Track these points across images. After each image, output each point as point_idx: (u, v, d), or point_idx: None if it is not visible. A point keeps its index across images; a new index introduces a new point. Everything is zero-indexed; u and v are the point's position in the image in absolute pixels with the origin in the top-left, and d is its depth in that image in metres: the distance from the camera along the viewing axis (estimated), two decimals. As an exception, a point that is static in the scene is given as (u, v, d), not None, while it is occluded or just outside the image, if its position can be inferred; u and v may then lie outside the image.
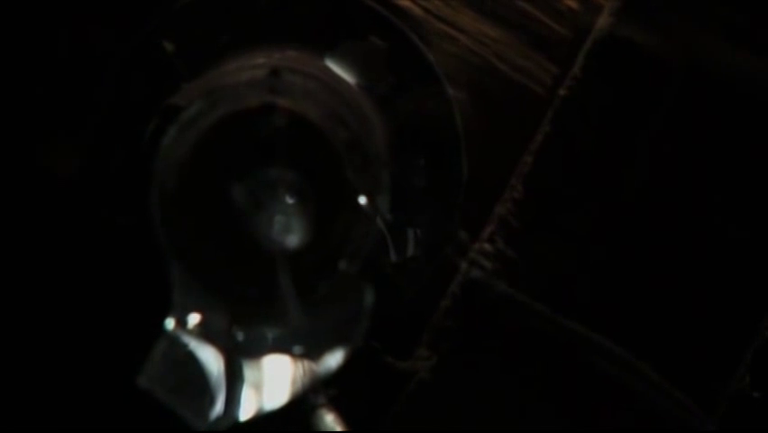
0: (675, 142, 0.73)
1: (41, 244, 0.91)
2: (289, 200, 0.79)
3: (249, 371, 0.82)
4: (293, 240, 0.78)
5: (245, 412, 0.80)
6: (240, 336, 0.82)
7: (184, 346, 0.81)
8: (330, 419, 0.86)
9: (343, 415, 0.86)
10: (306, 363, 0.81)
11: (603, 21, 0.75)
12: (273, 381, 0.82)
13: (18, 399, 0.93)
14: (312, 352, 0.81)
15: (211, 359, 0.82)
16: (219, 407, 0.80)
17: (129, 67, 0.87)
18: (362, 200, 0.79)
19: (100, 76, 0.87)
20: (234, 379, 0.81)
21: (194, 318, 0.82)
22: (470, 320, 0.75)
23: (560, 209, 0.76)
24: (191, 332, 0.82)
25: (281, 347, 0.82)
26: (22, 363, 0.93)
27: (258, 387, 0.81)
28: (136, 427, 0.91)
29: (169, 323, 0.80)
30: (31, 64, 0.87)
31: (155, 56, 0.87)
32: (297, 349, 0.81)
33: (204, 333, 0.82)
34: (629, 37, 0.72)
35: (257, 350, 0.82)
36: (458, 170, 0.77)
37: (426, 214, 0.77)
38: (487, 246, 0.77)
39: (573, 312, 0.75)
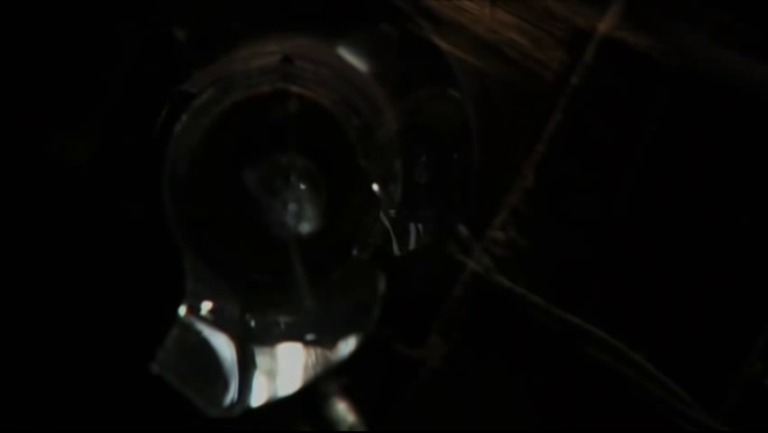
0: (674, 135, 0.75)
1: (52, 232, 0.91)
2: (302, 187, 0.79)
3: (261, 358, 0.83)
4: (305, 226, 0.79)
5: (257, 399, 0.81)
6: (252, 323, 0.83)
7: (197, 333, 0.82)
8: (342, 407, 0.86)
9: (355, 402, 0.87)
10: (319, 351, 0.82)
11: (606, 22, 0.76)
12: (285, 368, 0.83)
13: (29, 388, 0.94)
14: (324, 339, 0.82)
15: (223, 346, 0.83)
16: (232, 393, 0.81)
17: (140, 54, 0.87)
18: (375, 187, 0.80)
19: (111, 63, 0.87)
20: (247, 366, 0.82)
21: (206, 306, 0.83)
22: (479, 310, 0.76)
23: (571, 198, 0.77)
24: (204, 319, 0.83)
25: (294, 334, 0.83)
26: (33, 352, 0.93)
27: (270, 374, 0.82)
28: (149, 413, 0.91)
29: (182, 310, 0.81)
30: (42, 53, 0.88)
31: (167, 43, 0.87)
32: (310, 336, 0.82)
33: (216, 320, 0.83)
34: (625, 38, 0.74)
35: (269, 337, 0.83)
36: (469, 160, 0.78)
37: (433, 205, 0.78)
38: (499, 235, 0.77)
39: (581, 300, 0.76)
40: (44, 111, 0.89)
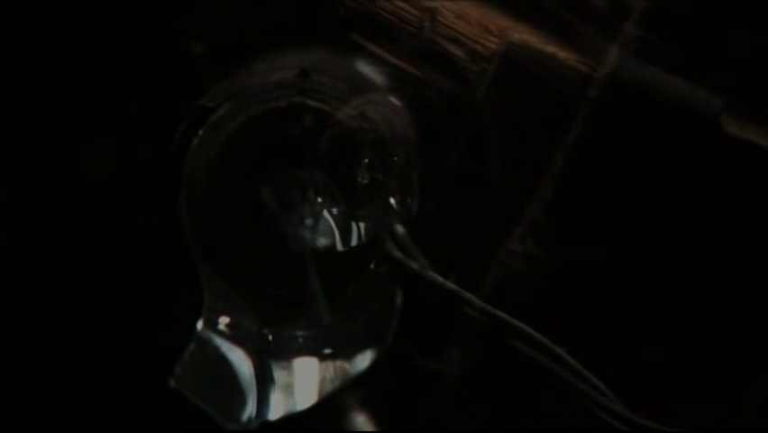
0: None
1: (72, 242, 0.92)
2: (318, 201, 0.79)
3: (279, 372, 0.83)
4: (322, 241, 0.79)
5: (275, 413, 0.81)
6: (270, 337, 0.83)
7: (214, 348, 0.83)
8: (361, 420, 0.87)
9: (374, 415, 0.88)
10: (336, 364, 0.82)
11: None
12: (303, 381, 0.83)
13: (45, 400, 0.94)
14: (342, 352, 0.82)
15: (241, 360, 0.83)
16: (249, 407, 0.81)
17: (158, 68, 0.87)
18: (392, 201, 0.80)
19: (130, 78, 0.88)
20: (264, 380, 0.82)
21: (224, 320, 0.83)
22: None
23: (591, 211, 0.79)
24: (221, 333, 0.83)
25: (311, 348, 0.83)
26: (51, 362, 0.94)
27: (288, 388, 0.83)
28: (168, 426, 0.92)
29: (200, 325, 0.81)
30: (62, 68, 0.88)
31: (184, 57, 0.87)
32: (327, 350, 0.82)
33: (234, 334, 0.83)
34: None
35: (287, 351, 0.83)
36: (407, 162, 0.79)
37: (372, 205, 0.79)
38: (517, 247, 0.79)
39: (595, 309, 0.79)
40: (68, 128, 0.90)
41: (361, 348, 0.82)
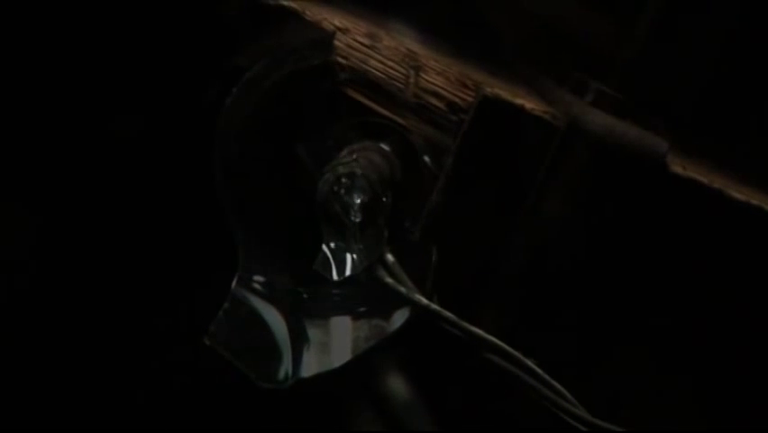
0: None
1: (111, 203, 0.93)
2: (354, 158, 0.80)
3: (313, 330, 0.84)
4: (357, 197, 0.79)
5: (309, 370, 0.83)
6: (305, 295, 0.85)
7: (249, 306, 0.83)
8: (398, 381, 0.89)
9: (412, 376, 0.90)
10: (372, 322, 0.83)
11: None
12: (337, 339, 0.84)
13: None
14: (377, 310, 0.83)
15: (276, 319, 0.84)
16: (284, 365, 0.83)
17: (193, 27, 0.87)
18: (426, 159, 0.83)
19: (163, 37, 0.88)
20: (298, 338, 0.84)
21: (259, 279, 0.84)
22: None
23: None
24: (256, 292, 0.84)
25: (346, 306, 0.84)
26: (85, 319, 0.95)
27: (322, 346, 0.84)
28: (205, 387, 0.94)
29: (234, 283, 0.83)
30: (95, 26, 0.88)
31: (218, 17, 0.86)
32: (362, 308, 0.83)
33: (269, 293, 0.84)
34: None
35: (321, 309, 0.85)
36: (392, 202, 0.81)
37: (365, 239, 0.81)
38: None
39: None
40: (100, 87, 0.90)
41: (396, 306, 0.82)
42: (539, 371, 0.78)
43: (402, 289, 0.79)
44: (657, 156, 0.81)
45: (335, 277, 0.80)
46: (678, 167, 0.82)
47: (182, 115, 0.89)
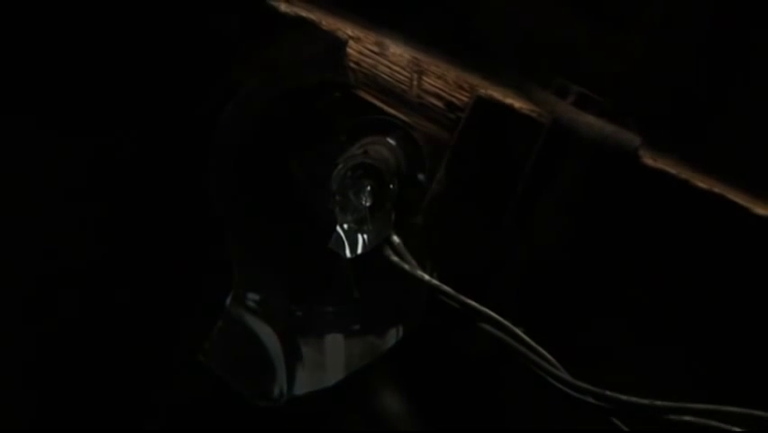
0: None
1: (103, 229, 0.92)
2: (348, 175, 0.82)
3: (307, 347, 0.84)
4: (350, 216, 0.81)
5: (303, 388, 0.83)
6: (299, 313, 0.85)
7: (243, 324, 0.84)
8: (392, 396, 0.91)
9: (407, 391, 0.92)
10: (366, 340, 0.84)
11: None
12: (332, 357, 0.84)
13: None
14: (371, 328, 0.84)
15: (270, 336, 0.85)
16: (278, 383, 0.82)
17: (189, 44, 0.88)
18: (421, 177, 0.87)
19: (159, 54, 0.89)
20: (293, 356, 0.84)
21: (253, 296, 0.85)
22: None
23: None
24: (250, 309, 0.85)
25: (340, 324, 0.85)
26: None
27: (316, 364, 0.83)
28: (198, 401, 0.93)
29: (229, 301, 0.83)
30: (91, 42, 0.89)
31: (215, 32, 0.87)
32: (357, 325, 0.84)
33: (263, 310, 0.85)
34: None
35: (316, 327, 0.85)
36: (400, 189, 0.83)
37: (374, 222, 0.83)
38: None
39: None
40: (101, 105, 0.89)
41: (390, 324, 0.83)
42: (527, 338, 0.82)
43: (406, 266, 0.83)
44: (631, 149, 0.87)
45: (348, 255, 0.81)
46: (649, 159, 0.88)
47: (178, 129, 0.91)
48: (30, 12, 0.88)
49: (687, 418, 0.82)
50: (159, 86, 0.90)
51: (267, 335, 0.84)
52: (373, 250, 0.83)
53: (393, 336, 0.83)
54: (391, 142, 0.90)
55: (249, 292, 0.84)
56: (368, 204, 0.83)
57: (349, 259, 0.80)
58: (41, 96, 0.90)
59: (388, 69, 0.90)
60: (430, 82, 0.90)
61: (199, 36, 0.89)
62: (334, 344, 0.84)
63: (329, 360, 0.84)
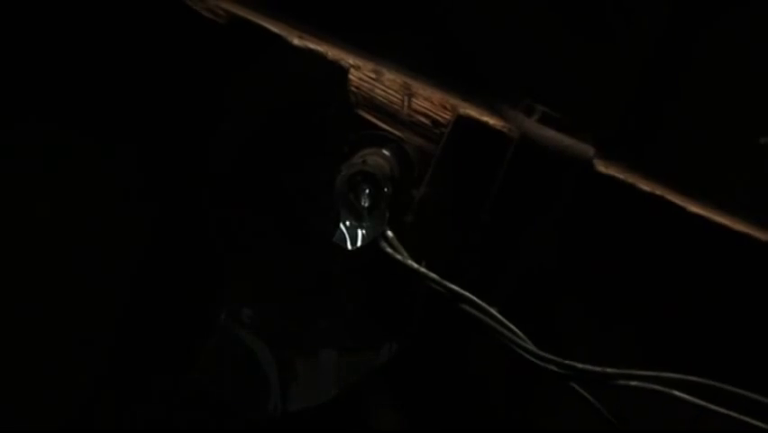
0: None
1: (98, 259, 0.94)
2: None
3: (301, 363, 0.88)
4: (346, 233, 0.87)
5: (297, 404, 0.87)
6: (293, 328, 0.90)
7: (237, 338, 0.87)
8: (387, 410, 0.93)
9: (401, 406, 0.96)
10: (359, 355, 0.88)
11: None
12: (325, 373, 0.87)
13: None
14: (366, 342, 0.89)
15: (264, 351, 0.88)
16: (272, 398, 0.85)
17: (188, 57, 0.92)
18: (411, 182, 0.96)
19: (154, 74, 0.94)
20: (286, 370, 0.88)
21: (247, 312, 0.89)
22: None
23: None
24: (243, 324, 0.89)
25: (334, 340, 0.89)
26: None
27: (310, 379, 0.87)
28: (191, 420, 0.94)
29: (223, 316, 0.87)
30: (89, 57, 0.94)
31: (213, 47, 0.92)
32: (351, 340, 0.89)
33: (256, 326, 0.89)
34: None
35: (309, 341, 0.89)
36: (393, 194, 0.90)
37: (370, 221, 0.89)
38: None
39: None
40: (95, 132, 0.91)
41: (383, 340, 0.86)
42: (500, 316, 0.94)
43: (399, 256, 0.93)
44: (586, 159, 0.99)
45: (350, 247, 0.89)
46: (601, 166, 1.00)
47: (173, 146, 0.95)
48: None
49: (633, 383, 0.93)
50: (157, 106, 0.95)
51: (261, 350, 0.87)
52: (370, 243, 0.92)
53: (387, 352, 0.87)
54: (386, 153, 1.01)
55: (243, 308, 0.88)
56: (366, 204, 0.93)
57: (342, 274, 0.85)
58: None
59: (383, 92, 1.01)
60: (419, 103, 1.02)
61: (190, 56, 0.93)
62: (328, 359, 0.86)
63: (322, 376, 0.86)
